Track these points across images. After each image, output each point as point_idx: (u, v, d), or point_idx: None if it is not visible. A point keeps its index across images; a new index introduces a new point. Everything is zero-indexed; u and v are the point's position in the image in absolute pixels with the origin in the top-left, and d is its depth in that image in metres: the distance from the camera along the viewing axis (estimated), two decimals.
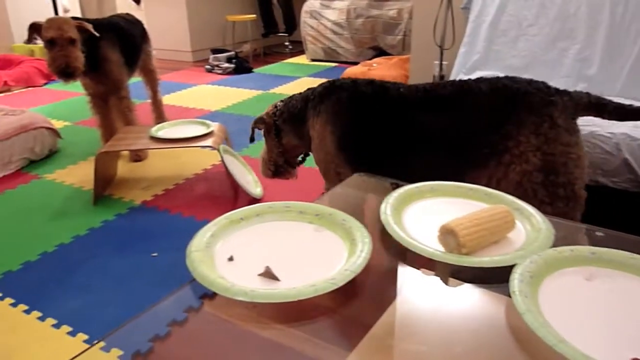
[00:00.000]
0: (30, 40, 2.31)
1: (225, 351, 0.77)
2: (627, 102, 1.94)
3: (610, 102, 1.21)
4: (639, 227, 0.96)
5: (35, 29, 2.26)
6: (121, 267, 1.75)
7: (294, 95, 1.55)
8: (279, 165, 1.66)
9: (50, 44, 2.20)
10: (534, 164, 1.18)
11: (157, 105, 3.18)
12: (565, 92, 1.22)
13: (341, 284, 0.66)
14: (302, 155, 1.69)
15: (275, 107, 1.58)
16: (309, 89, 1.49)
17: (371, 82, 1.37)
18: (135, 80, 3.07)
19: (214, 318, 0.81)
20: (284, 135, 1.59)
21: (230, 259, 0.74)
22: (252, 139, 1.69)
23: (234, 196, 2.25)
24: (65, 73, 2.20)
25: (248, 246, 0.79)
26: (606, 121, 1.70)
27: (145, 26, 2.98)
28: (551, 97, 1.19)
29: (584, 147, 1.21)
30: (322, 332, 0.76)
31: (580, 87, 2.15)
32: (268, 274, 0.70)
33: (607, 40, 2.14)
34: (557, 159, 1.18)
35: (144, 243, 1.90)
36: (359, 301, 0.84)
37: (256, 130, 1.65)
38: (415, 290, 0.82)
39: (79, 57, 2.24)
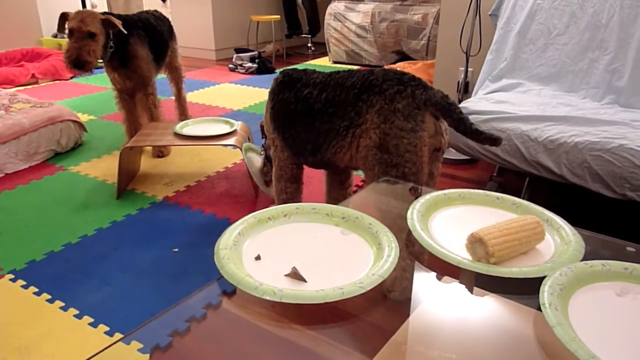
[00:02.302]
0: (61, 29, 2.35)
1: (243, 349, 0.78)
2: None
3: (459, 112, 1.29)
4: None
5: (64, 19, 2.31)
6: (142, 261, 1.77)
7: None
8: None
9: (70, 34, 2.24)
10: (374, 141, 1.33)
11: (180, 102, 3.22)
12: (421, 87, 1.33)
13: (369, 288, 0.66)
14: None
15: None
16: None
17: (304, 70, 1.59)
18: (160, 77, 3.11)
19: (233, 316, 0.81)
20: None
21: (258, 257, 0.75)
22: (263, 136, 1.86)
23: (255, 195, 2.26)
24: (75, 64, 2.22)
25: (275, 246, 0.79)
26: (637, 134, 1.67)
27: (172, 24, 3.02)
28: (402, 86, 1.32)
29: (425, 137, 1.31)
30: (342, 336, 0.76)
31: (609, 98, 2.11)
32: (295, 275, 0.70)
33: (639, 52, 2.10)
34: (390, 140, 1.31)
35: (165, 238, 1.92)
36: (381, 307, 0.83)
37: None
38: (438, 299, 0.81)
39: (93, 51, 2.27)
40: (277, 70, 5.10)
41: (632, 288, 0.69)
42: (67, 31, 2.29)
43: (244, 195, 2.28)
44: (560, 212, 0.87)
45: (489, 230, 0.73)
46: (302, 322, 0.76)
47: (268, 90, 1.68)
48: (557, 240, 0.80)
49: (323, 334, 0.77)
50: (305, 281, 0.69)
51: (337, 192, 1.84)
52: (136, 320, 1.46)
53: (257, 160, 2.20)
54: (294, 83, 1.55)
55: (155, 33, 2.69)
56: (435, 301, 0.81)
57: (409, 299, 0.82)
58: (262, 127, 1.86)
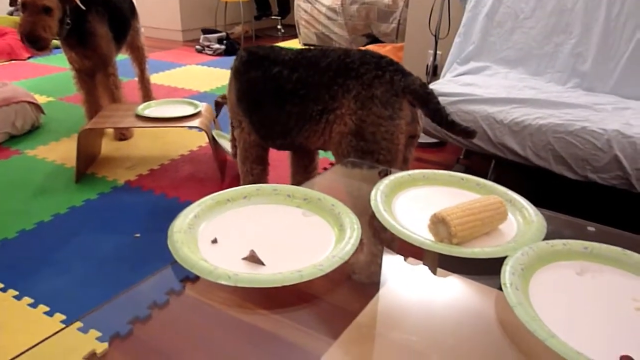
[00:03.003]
0: (13, 2, 2.22)
1: (207, 335, 0.75)
2: (619, 99, 1.97)
3: (436, 102, 1.27)
4: (624, 223, 0.95)
5: None
6: (102, 247, 1.71)
7: None
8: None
9: (23, 8, 2.12)
10: (350, 127, 1.29)
11: (144, 83, 3.11)
12: (400, 72, 1.29)
13: (328, 270, 0.64)
14: None
15: None
16: None
17: (270, 47, 1.52)
18: (123, 58, 3.00)
19: (196, 301, 0.78)
20: None
21: (214, 241, 0.72)
22: (217, 114, 1.84)
23: (220, 178, 2.21)
24: (30, 40, 2.10)
25: (233, 229, 0.76)
26: (599, 117, 1.70)
27: (134, 1, 2.90)
28: (380, 71, 1.28)
29: (403, 125, 1.28)
30: (306, 319, 0.75)
31: (574, 82, 2.14)
32: (253, 258, 0.67)
33: (602, 37, 2.13)
34: (367, 127, 1.27)
35: (126, 223, 1.86)
36: (345, 289, 0.82)
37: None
38: (402, 280, 0.80)
39: (48, 27, 2.14)
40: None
41: (591, 267, 0.69)
42: (19, 5, 2.16)
43: (210, 178, 2.22)
44: (525, 193, 0.87)
45: (452, 210, 0.72)
46: (266, 306, 0.75)
47: (230, 68, 1.62)
48: (520, 221, 0.80)
49: (288, 317, 0.75)
50: (264, 264, 0.67)
51: (302, 175, 1.80)
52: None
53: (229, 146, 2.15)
54: (260, 61, 1.48)
55: (115, 10, 2.57)
56: (399, 282, 0.80)
57: (376, 282, 0.81)
58: (217, 103, 1.79)
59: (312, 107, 1.36)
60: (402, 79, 1.28)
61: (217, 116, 1.82)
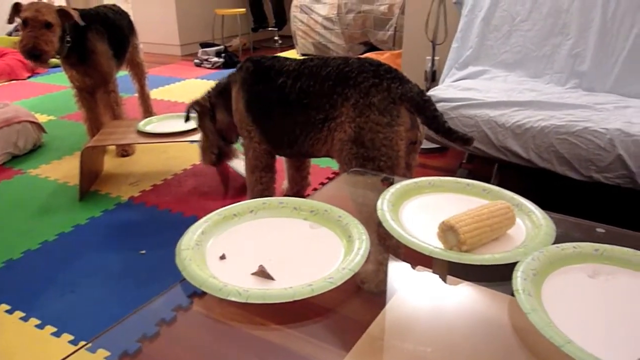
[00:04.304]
0: (11, 20, 2.23)
1: (216, 351, 0.74)
2: (619, 98, 1.97)
3: (434, 109, 1.28)
4: (630, 222, 0.95)
5: (17, 10, 2.20)
6: (108, 265, 1.70)
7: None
8: (220, 147, 1.83)
9: (24, 24, 2.14)
10: (349, 135, 1.31)
11: (144, 99, 3.12)
12: (397, 80, 1.31)
13: (339, 283, 0.64)
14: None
15: (208, 92, 1.78)
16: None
17: (273, 57, 1.55)
18: (123, 74, 3.01)
19: (204, 318, 0.78)
20: (217, 111, 1.75)
21: (222, 257, 0.71)
22: (187, 119, 1.84)
23: (224, 192, 2.21)
24: (31, 54, 2.12)
25: (241, 244, 0.76)
26: (601, 117, 1.70)
27: (132, 18, 2.92)
28: (377, 79, 1.30)
29: (402, 131, 1.30)
30: (317, 331, 0.74)
31: (573, 82, 2.14)
32: (262, 273, 0.67)
33: (599, 36, 2.14)
34: (366, 134, 1.29)
35: (131, 240, 1.85)
36: (356, 300, 0.81)
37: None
38: (412, 289, 0.80)
39: (50, 42, 2.16)
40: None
41: (603, 269, 0.69)
42: (19, 21, 2.17)
43: (213, 192, 2.22)
44: (529, 196, 0.86)
45: (460, 217, 0.71)
46: (277, 320, 0.74)
47: (233, 79, 1.62)
48: (528, 225, 0.79)
49: (299, 330, 0.74)
50: (273, 279, 0.66)
51: (298, 177, 1.88)
52: (103, 327, 1.39)
53: (236, 161, 2.15)
54: (266, 72, 1.50)
55: (114, 28, 2.59)
56: (409, 292, 0.79)
57: (384, 291, 0.80)
58: (191, 106, 1.78)
59: (314, 116, 1.38)
60: (400, 87, 1.29)
61: (186, 121, 1.86)
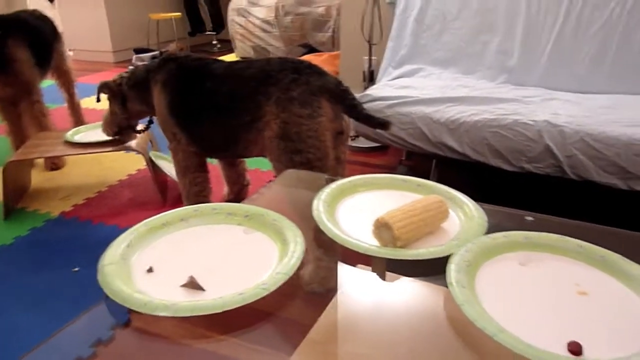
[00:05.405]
0: None
1: None
2: (545, 91, 2.07)
3: (352, 98, 1.35)
4: (562, 210, 0.98)
5: None
6: (38, 286, 1.59)
7: (138, 65, 1.74)
8: (122, 128, 1.90)
9: None
10: (275, 131, 1.34)
11: (75, 108, 2.96)
12: (316, 74, 1.36)
13: (273, 288, 0.61)
14: (147, 121, 1.93)
15: (121, 76, 1.77)
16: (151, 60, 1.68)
17: (199, 58, 1.54)
18: (49, 83, 2.84)
19: (144, 334, 0.73)
20: (129, 101, 1.76)
21: (150, 270, 0.67)
22: (98, 99, 1.85)
23: (162, 201, 2.13)
24: None
25: (171, 255, 0.72)
26: (529, 109, 1.77)
27: (59, 25, 2.76)
28: (297, 74, 1.35)
29: (325, 122, 1.34)
30: (261, 337, 0.72)
31: (503, 77, 2.23)
32: (192, 284, 0.64)
33: (525, 33, 2.24)
34: (291, 128, 1.32)
35: (63, 258, 1.74)
36: (298, 302, 0.79)
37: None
38: (353, 288, 0.79)
39: None
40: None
41: (533, 256, 0.70)
42: None
43: (151, 202, 2.14)
44: (467, 190, 0.88)
45: (394, 213, 0.71)
46: (221, 330, 0.71)
47: (153, 76, 1.59)
48: (462, 217, 0.80)
49: (244, 339, 0.71)
50: (204, 290, 0.63)
51: (232, 176, 1.88)
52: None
53: (170, 167, 2.07)
54: (191, 74, 1.48)
55: (35, 34, 2.44)
56: (349, 291, 0.78)
57: (332, 289, 0.79)
58: (102, 88, 1.79)
59: (243, 118, 1.39)
60: (318, 79, 1.33)
61: (98, 100, 1.86)
